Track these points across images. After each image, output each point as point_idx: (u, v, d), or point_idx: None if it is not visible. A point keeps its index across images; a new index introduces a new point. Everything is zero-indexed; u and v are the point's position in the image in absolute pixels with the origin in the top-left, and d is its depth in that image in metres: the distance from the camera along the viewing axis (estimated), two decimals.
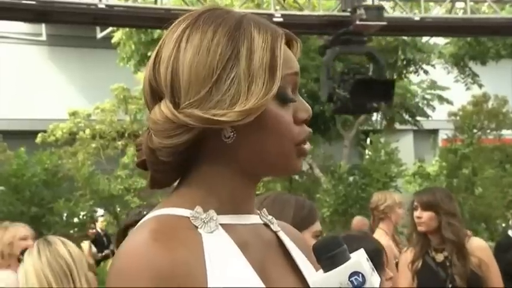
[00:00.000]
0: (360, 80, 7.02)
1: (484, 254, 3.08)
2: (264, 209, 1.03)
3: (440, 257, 3.05)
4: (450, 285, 2.99)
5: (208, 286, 0.85)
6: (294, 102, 0.93)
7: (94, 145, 10.01)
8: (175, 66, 0.91)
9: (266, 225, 1.01)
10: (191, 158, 0.94)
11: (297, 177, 11.20)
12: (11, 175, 7.80)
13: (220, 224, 0.92)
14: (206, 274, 0.86)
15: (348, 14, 7.58)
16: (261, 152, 0.92)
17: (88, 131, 10.04)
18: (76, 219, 8.11)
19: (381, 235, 3.93)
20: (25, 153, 8.08)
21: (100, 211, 9.34)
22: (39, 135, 9.96)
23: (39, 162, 8.11)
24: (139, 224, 0.92)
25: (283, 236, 1.02)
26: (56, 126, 10.07)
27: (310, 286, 0.95)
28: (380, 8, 7.78)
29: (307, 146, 0.96)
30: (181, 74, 0.90)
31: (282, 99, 0.92)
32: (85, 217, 8.40)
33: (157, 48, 0.94)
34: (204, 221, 0.91)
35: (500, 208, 8.71)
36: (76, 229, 8.01)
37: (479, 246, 3.10)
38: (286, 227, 1.06)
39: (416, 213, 3.10)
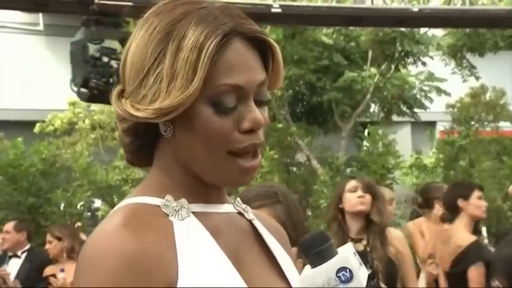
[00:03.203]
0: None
1: (401, 244, 3.25)
2: (239, 198, 1.03)
3: (359, 247, 3.12)
4: (370, 270, 3.04)
5: (179, 271, 0.85)
6: (233, 112, 0.89)
7: (93, 136, 9.99)
8: (126, 55, 0.94)
9: (240, 214, 1.01)
10: (153, 143, 0.95)
11: (294, 168, 11.21)
12: (9, 165, 7.79)
13: (192, 212, 0.92)
14: (177, 260, 0.86)
15: None
16: (193, 155, 0.91)
17: (87, 122, 10.02)
18: (73, 210, 8.11)
19: None
20: (23, 143, 8.07)
21: (98, 202, 9.35)
22: (37, 125, 9.94)
23: (36, 152, 8.10)
24: (110, 212, 0.93)
25: (257, 224, 1.02)
26: (54, 116, 10.05)
27: (298, 282, 0.95)
28: None
29: (251, 162, 0.91)
30: (127, 65, 0.93)
31: (217, 106, 0.89)
32: (82, 207, 8.41)
33: None
34: (174, 209, 0.91)
35: (497, 200, 8.73)
36: (73, 219, 8.01)
37: (396, 237, 3.27)
38: (261, 216, 1.07)
39: (358, 193, 3.19)
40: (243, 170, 0.91)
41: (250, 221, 1.02)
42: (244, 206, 1.03)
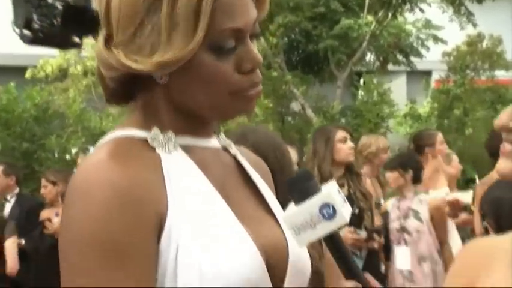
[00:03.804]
0: (66, 8, 5.51)
1: (371, 189, 3.78)
2: (222, 133, 1.03)
3: (343, 192, 3.30)
4: (357, 210, 3.31)
5: (169, 205, 0.85)
6: (232, 54, 0.88)
7: (85, 82, 9.91)
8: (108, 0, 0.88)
9: (224, 149, 1.02)
10: (138, 85, 0.93)
11: (289, 118, 11.19)
12: (1, 110, 7.76)
13: (179, 146, 0.92)
14: (166, 193, 0.86)
15: None
16: (193, 99, 0.90)
17: (79, 67, 9.92)
18: (67, 156, 8.13)
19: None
20: (15, 88, 8.00)
21: (92, 149, 9.35)
22: (29, 70, 9.83)
23: (29, 97, 8.06)
24: (97, 145, 0.92)
25: (241, 159, 1.03)
26: (45, 61, 9.94)
27: (283, 220, 0.96)
28: None
29: (255, 90, 0.91)
30: (112, 9, 0.88)
31: (218, 51, 0.87)
32: (76, 154, 8.43)
33: None
34: (162, 142, 0.90)
35: None
36: (68, 166, 8.04)
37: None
38: (244, 151, 1.07)
39: (349, 144, 3.39)
40: (246, 100, 0.91)
41: (234, 157, 1.02)
42: (228, 141, 1.03)
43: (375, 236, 3.35)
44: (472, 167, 8.43)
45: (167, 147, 0.90)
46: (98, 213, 0.81)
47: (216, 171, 0.95)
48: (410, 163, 3.79)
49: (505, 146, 0.97)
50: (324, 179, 3.23)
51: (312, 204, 0.91)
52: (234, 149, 1.03)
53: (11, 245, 4.29)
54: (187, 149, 0.92)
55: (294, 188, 0.93)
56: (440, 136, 4.39)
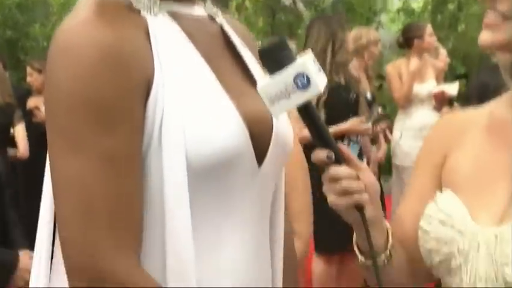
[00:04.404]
0: None
1: None
2: (209, 1, 0.99)
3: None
4: (354, 95, 3.40)
5: (155, 65, 0.83)
6: None
7: None
8: None
9: (210, 17, 0.98)
10: None
11: (280, 14, 10.93)
12: None
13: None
14: (152, 54, 0.83)
15: None
16: None
17: None
18: None
19: None
20: None
21: None
22: None
23: None
24: (77, 4, 0.87)
25: (228, 28, 0.99)
26: None
27: (258, 90, 0.95)
28: None
29: None
30: None
31: None
32: None
33: None
34: (146, 5, 0.87)
35: None
36: None
37: None
38: (230, 20, 1.03)
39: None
40: None
41: (220, 26, 0.99)
42: (215, 9, 0.99)
43: (381, 123, 3.54)
44: (462, 63, 8.41)
45: (153, 10, 0.86)
46: (85, 72, 0.77)
47: (202, 40, 0.91)
48: None
49: (488, 16, 0.95)
50: (341, 66, 3.27)
51: (287, 74, 0.89)
52: (220, 18, 0.99)
53: (21, 130, 4.35)
54: (171, 15, 0.89)
55: (268, 57, 0.91)
56: (429, 28, 4.34)
